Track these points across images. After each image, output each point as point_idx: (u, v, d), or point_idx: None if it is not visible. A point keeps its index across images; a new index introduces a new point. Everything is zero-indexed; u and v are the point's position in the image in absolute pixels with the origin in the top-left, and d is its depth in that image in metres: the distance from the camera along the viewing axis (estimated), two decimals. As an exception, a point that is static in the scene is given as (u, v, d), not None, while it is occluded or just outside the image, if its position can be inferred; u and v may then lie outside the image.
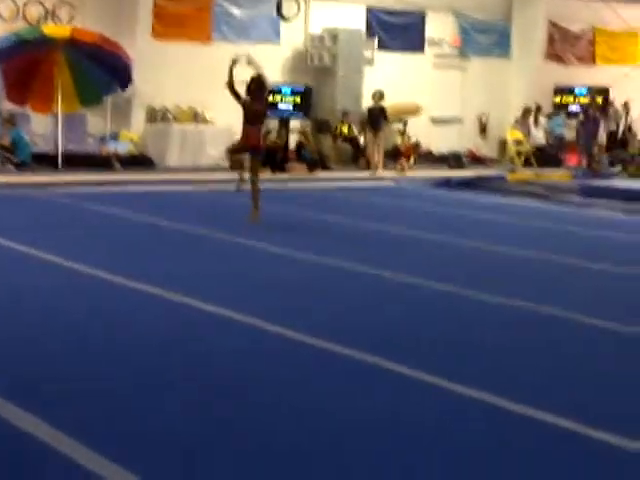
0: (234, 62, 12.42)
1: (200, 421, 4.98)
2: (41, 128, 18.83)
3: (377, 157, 20.37)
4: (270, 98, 18.60)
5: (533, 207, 16.04)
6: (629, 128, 24.60)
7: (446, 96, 23.95)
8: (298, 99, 20.79)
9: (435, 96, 23.49)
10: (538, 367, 6.35)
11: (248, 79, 12.59)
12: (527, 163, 23.21)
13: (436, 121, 23.92)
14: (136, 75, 18.61)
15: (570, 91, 25.01)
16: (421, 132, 22.75)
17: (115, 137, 19.23)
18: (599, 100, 23.56)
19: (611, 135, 23.69)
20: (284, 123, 20.53)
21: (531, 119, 23.98)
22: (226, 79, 12.31)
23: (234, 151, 13.35)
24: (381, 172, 20.10)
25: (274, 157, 18.82)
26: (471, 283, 8.88)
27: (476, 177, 19.09)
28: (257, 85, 12.40)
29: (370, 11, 22.70)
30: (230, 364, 6.09)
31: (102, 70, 18.27)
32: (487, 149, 24.72)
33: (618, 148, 23.52)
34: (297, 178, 18.72)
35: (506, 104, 24.63)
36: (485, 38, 24.78)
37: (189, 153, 19.80)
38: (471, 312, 7.92)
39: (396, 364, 6.06)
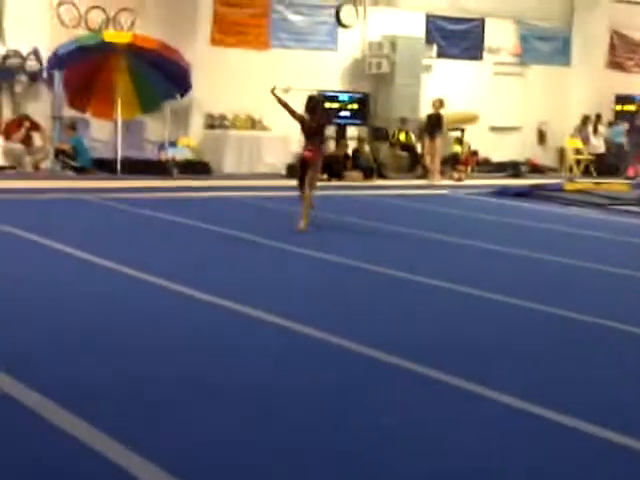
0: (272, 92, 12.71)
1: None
2: (101, 134, 19.05)
3: (434, 165, 20.29)
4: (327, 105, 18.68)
5: (591, 217, 15.83)
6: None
7: (505, 104, 23.80)
8: (356, 106, 20.79)
9: (494, 104, 23.35)
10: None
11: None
12: (587, 172, 23.01)
13: (495, 129, 23.77)
14: (195, 82, 18.77)
15: (632, 100, 24.69)
16: (480, 140, 22.62)
17: (173, 143, 19.39)
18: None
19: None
20: (342, 130, 20.54)
21: (590, 128, 23.73)
22: (277, 99, 12.66)
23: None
24: (438, 180, 20.01)
25: (332, 165, 18.79)
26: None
27: (533, 186, 18.90)
28: (313, 104, 12.72)
29: (429, 18, 22.62)
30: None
31: (162, 77, 18.44)
32: (546, 158, 24.51)
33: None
34: (352, 185, 18.69)
35: (566, 113, 24.40)
36: (546, 45, 24.57)
37: (246, 160, 19.90)
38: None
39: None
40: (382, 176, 20.28)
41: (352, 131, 21.07)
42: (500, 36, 23.74)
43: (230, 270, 9.54)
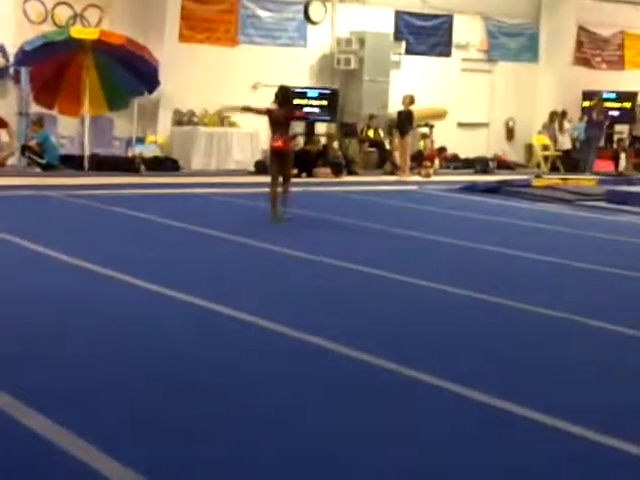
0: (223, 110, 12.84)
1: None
2: (68, 131, 18.96)
3: (403, 161, 20.32)
4: (296, 101, 18.70)
5: (558, 212, 15.94)
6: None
7: (473, 100, 23.90)
8: (324, 102, 20.80)
9: (462, 100, 23.44)
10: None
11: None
12: (554, 168, 23.17)
13: (463, 125, 23.87)
14: (163, 78, 18.71)
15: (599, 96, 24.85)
16: (448, 136, 22.69)
17: (141, 140, 19.32)
18: (602, 104, 23.40)
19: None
20: (310, 127, 20.54)
21: (556, 124, 23.90)
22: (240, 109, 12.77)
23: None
24: (407, 176, 20.06)
25: (304, 160, 18.73)
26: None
27: (501, 182, 18.99)
28: (286, 94, 12.76)
29: (398, 14, 22.67)
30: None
31: (129, 73, 18.38)
32: (514, 154, 24.64)
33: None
34: (320, 182, 18.66)
35: (534, 109, 24.54)
36: (513, 42, 24.69)
37: (215, 156, 19.86)
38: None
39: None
40: (351, 172, 20.28)
41: (321, 127, 21.07)
42: (468, 32, 23.84)
43: (196, 266, 9.57)
